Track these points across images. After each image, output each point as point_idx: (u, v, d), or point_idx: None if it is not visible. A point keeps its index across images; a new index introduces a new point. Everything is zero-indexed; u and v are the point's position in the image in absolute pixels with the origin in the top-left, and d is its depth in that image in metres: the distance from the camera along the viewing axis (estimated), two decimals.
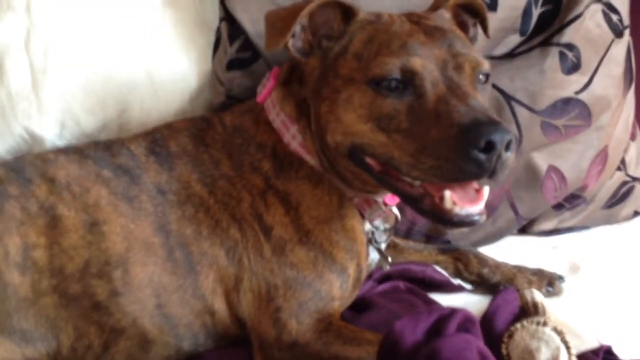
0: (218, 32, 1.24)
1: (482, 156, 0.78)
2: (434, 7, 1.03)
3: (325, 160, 1.00)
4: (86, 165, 1.02)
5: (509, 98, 1.25)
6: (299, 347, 0.96)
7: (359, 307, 1.11)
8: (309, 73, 0.98)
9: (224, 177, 1.02)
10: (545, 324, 0.97)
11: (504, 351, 0.96)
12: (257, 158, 1.02)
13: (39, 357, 0.95)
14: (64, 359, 0.96)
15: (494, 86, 1.26)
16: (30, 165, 1.02)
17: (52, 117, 1.19)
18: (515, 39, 1.27)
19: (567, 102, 1.30)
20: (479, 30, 1.11)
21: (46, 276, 0.94)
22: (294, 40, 0.95)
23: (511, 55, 1.27)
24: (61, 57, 1.18)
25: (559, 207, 1.42)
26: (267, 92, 1.05)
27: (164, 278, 0.97)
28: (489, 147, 0.77)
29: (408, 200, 0.90)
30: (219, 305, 0.99)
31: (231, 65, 1.21)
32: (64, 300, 0.94)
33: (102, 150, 1.06)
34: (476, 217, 0.84)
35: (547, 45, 1.27)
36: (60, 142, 1.20)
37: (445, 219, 0.85)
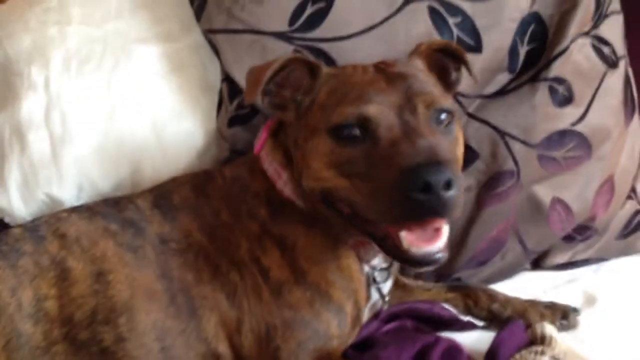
0: (220, 92, 1.33)
1: (421, 197, 0.81)
2: (411, 54, 1.09)
3: (309, 205, 1.05)
4: (95, 221, 1.10)
5: (502, 134, 1.28)
6: None
7: (365, 346, 1.13)
8: (288, 125, 1.06)
9: (224, 225, 1.07)
10: (543, 352, 0.97)
11: None
12: (253, 205, 1.08)
13: None
14: None
15: (487, 123, 1.29)
16: (45, 224, 1.11)
17: (70, 182, 1.29)
18: (504, 77, 1.31)
19: (562, 134, 1.31)
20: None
21: (57, 325, 1.01)
22: (271, 98, 1.03)
23: (502, 93, 1.31)
24: (77, 126, 1.29)
25: (570, 239, 1.41)
26: (261, 143, 1.12)
27: (168, 323, 1.02)
28: (427, 188, 0.81)
29: (375, 240, 0.94)
30: (223, 349, 1.03)
31: (232, 122, 1.29)
32: (74, 347, 1.00)
33: (110, 206, 1.14)
34: (436, 256, 0.87)
35: (535, 81, 1.29)
36: (78, 204, 1.29)
37: (405, 259, 0.89)
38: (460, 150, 1.01)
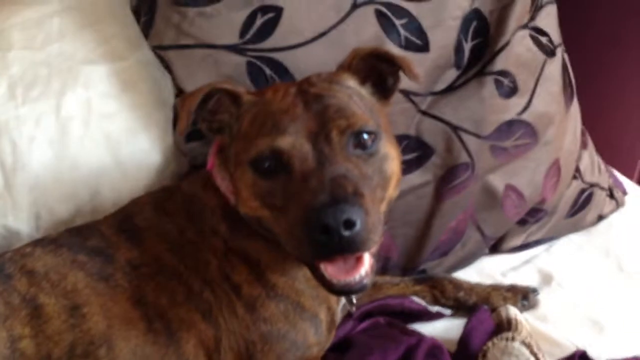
0: (175, 107, 1.31)
1: (322, 238, 0.82)
2: (338, 67, 1.06)
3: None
4: (61, 253, 1.08)
5: (455, 128, 1.32)
6: None
7: (342, 347, 1.16)
8: (226, 147, 1.05)
9: (190, 244, 1.07)
10: (513, 338, 1.02)
11: None
12: (213, 222, 1.08)
13: None
14: None
15: (440, 119, 1.33)
16: (9, 262, 1.07)
17: (26, 212, 1.25)
18: (452, 74, 1.35)
19: (510, 124, 1.36)
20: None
21: None
22: (208, 123, 1.03)
23: (451, 88, 1.35)
24: (28, 153, 1.25)
25: (523, 222, 1.48)
26: (212, 159, 1.11)
27: (147, 349, 1.02)
28: (325, 230, 0.81)
29: (308, 268, 0.94)
30: None
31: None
32: None
33: (75, 236, 1.11)
34: (358, 285, 0.88)
35: (482, 75, 1.34)
36: (37, 234, 1.26)
37: (329, 289, 0.90)
38: (391, 166, 0.98)
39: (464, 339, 1.11)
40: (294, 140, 0.91)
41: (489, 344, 1.02)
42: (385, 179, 0.96)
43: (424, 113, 1.33)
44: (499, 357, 0.99)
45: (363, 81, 1.05)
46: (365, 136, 0.94)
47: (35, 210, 1.25)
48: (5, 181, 1.24)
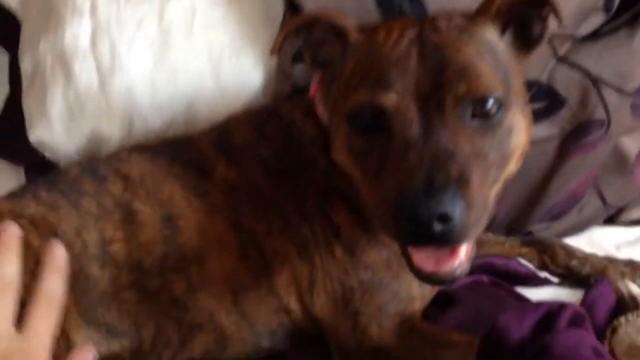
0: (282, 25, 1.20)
1: (410, 227, 0.70)
2: (477, 14, 0.85)
3: None
4: (158, 162, 1.02)
5: (595, 80, 1.16)
6: (381, 353, 0.92)
7: (442, 301, 1.06)
8: (328, 83, 0.93)
9: (287, 172, 0.98)
10: None
11: (606, 347, 0.92)
12: (313, 154, 0.98)
13: (123, 351, 0.95)
14: (144, 353, 0.96)
15: (578, 68, 1.17)
16: (104, 164, 1.03)
17: (119, 116, 1.18)
18: (599, 18, 1.17)
19: None
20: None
21: (125, 271, 0.94)
22: (313, 54, 0.91)
23: (596, 35, 1.18)
24: (127, 56, 1.17)
25: None
26: (315, 87, 1.00)
27: (240, 275, 0.96)
28: (415, 221, 0.69)
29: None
30: (294, 305, 0.97)
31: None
32: (144, 295, 0.94)
33: (171, 146, 1.05)
34: (446, 278, 0.77)
35: (635, 23, 1.17)
36: (129, 141, 1.19)
37: (415, 274, 0.79)
38: (516, 140, 0.82)
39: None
40: (399, 101, 0.76)
41: (622, 319, 0.91)
42: (505, 156, 0.81)
43: (561, 59, 1.18)
44: (634, 336, 0.88)
45: (504, 29, 0.85)
46: (489, 104, 0.77)
47: (129, 117, 1.18)
48: (101, 82, 1.17)
